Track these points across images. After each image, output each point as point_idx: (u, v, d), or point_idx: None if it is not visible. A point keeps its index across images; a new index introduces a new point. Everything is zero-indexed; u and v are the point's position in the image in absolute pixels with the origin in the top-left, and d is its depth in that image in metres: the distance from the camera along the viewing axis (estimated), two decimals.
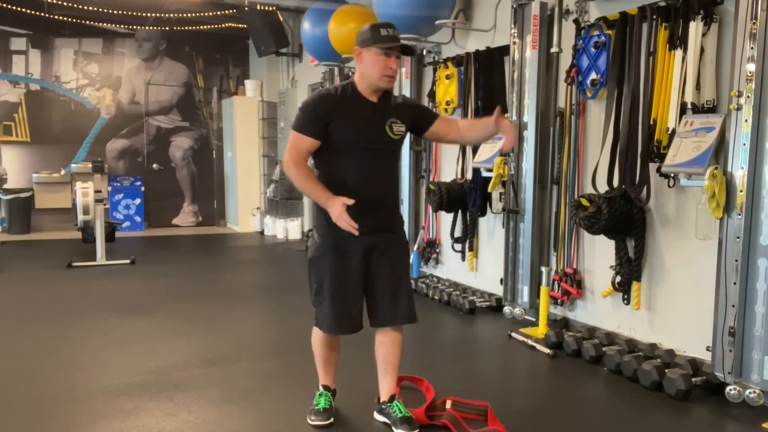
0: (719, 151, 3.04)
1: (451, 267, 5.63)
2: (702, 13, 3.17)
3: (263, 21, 8.15)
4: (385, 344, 2.72)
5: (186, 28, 9.22)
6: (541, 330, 4.05)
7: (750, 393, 2.90)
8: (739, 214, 2.89)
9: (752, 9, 2.79)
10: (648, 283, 3.68)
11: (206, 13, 8.88)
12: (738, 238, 2.90)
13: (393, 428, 2.63)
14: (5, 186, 8.96)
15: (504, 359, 3.81)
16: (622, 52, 3.63)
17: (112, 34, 9.54)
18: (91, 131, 9.55)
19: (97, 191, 6.69)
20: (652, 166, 3.45)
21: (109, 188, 9.35)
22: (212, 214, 10.45)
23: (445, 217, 5.55)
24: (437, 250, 5.80)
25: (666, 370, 3.08)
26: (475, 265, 5.26)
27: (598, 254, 4.01)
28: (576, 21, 3.95)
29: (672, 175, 3.30)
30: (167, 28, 9.44)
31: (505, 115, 4.47)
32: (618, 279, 3.77)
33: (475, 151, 4.88)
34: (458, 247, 5.34)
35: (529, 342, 3.89)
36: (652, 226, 3.64)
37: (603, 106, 3.82)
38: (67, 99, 9.41)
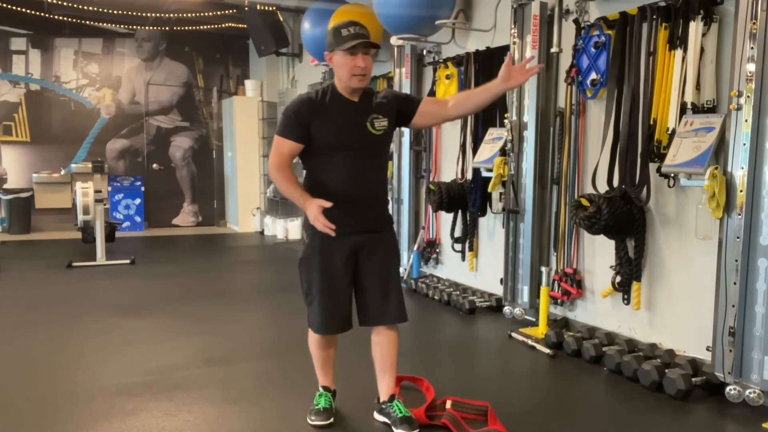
0: (719, 151, 3.04)
1: (451, 267, 5.63)
2: (702, 13, 3.17)
3: (263, 21, 8.15)
4: (381, 344, 2.72)
5: (186, 28, 9.22)
6: (541, 330, 4.05)
7: (750, 393, 2.90)
8: (739, 214, 2.89)
9: (752, 9, 2.79)
10: (648, 283, 3.68)
11: (206, 13, 8.88)
12: (738, 238, 2.90)
13: (393, 428, 2.63)
14: (5, 186, 8.96)
15: (504, 359, 3.81)
16: (622, 52, 3.63)
17: (112, 34, 9.54)
18: (91, 131, 9.56)
19: (97, 191, 6.69)
20: (652, 166, 3.45)
21: (109, 188, 9.35)
22: (212, 214, 10.45)
23: (445, 217, 5.55)
24: (437, 250, 5.80)
25: (666, 370, 3.08)
26: (475, 265, 5.26)
27: (598, 254, 4.01)
28: (576, 21, 3.95)
29: (672, 175, 3.30)
30: (167, 28, 9.44)
31: (506, 115, 4.49)
32: (618, 279, 3.77)
33: (475, 151, 4.88)
34: (458, 247, 5.34)
35: (529, 342, 3.89)
36: (652, 226, 3.64)
37: (603, 106, 3.82)
38: (67, 99, 9.41)
